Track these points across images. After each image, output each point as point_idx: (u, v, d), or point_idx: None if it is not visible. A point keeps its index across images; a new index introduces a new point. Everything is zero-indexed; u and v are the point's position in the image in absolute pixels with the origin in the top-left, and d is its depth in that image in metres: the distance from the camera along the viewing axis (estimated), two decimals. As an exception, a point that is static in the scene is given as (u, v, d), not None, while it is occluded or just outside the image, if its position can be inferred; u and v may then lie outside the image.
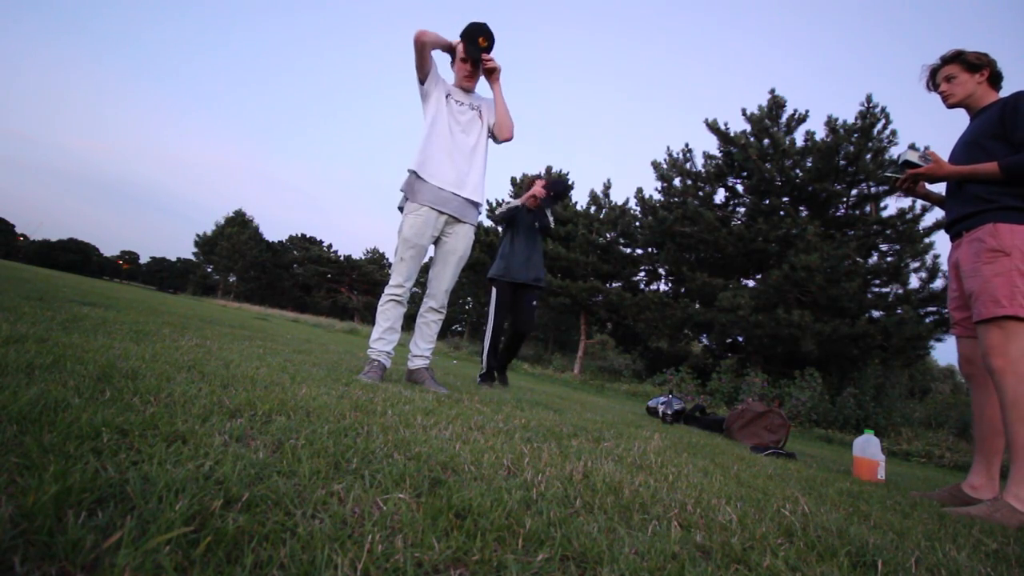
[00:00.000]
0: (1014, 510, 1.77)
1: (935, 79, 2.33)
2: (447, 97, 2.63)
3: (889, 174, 2.37)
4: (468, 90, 2.72)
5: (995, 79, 2.22)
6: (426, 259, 2.77)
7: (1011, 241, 1.96)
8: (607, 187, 20.01)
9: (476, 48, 2.48)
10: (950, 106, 2.28)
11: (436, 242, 2.70)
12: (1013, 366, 1.88)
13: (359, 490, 0.79)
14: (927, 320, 11.42)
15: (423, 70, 2.57)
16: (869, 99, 12.30)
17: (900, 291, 12.19)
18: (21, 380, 1.02)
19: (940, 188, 2.37)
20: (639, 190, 16.19)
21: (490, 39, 2.53)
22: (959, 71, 2.25)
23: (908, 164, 2.24)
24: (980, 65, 2.21)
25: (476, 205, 2.71)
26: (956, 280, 2.22)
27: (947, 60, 2.29)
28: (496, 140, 2.77)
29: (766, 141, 13.26)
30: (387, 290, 2.60)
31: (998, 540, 1.38)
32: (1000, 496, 1.85)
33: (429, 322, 2.76)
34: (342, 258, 48.58)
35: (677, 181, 14.82)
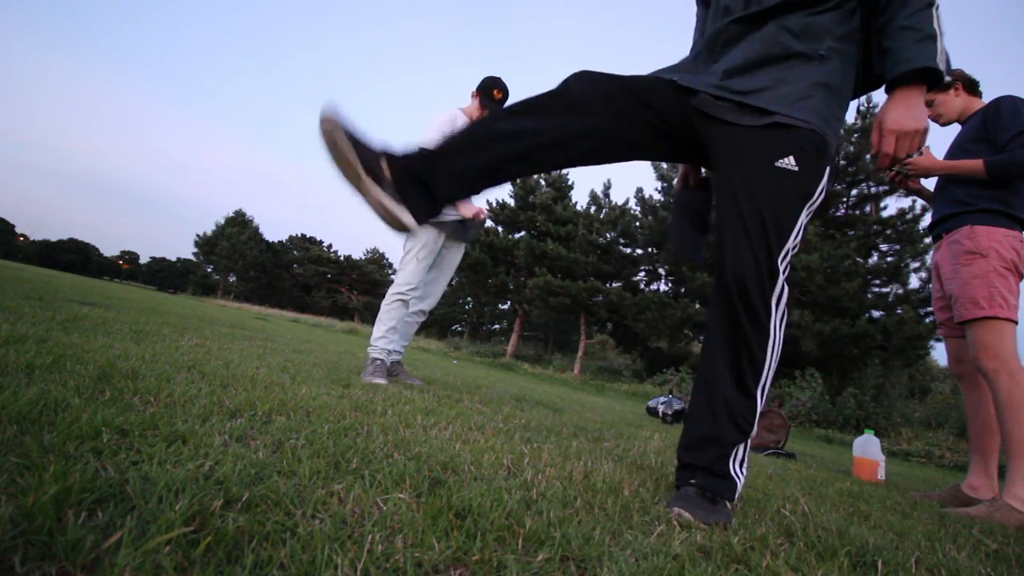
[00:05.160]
0: (1013, 510, 1.77)
1: None
2: None
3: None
4: None
5: (972, 86, 2.26)
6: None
7: (987, 243, 1.99)
8: (607, 187, 20.01)
9: (491, 101, 2.69)
10: (944, 125, 2.32)
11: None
12: (1005, 365, 1.90)
13: (359, 490, 0.79)
14: (927, 320, 11.42)
15: None
16: (869, 99, 12.32)
17: (900, 291, 12.20)
18: (21, 380, 1.02)
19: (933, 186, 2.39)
20: (639, 190, 16.24)
21: (504, 91, 2.70)
22: (932, 95, 2.29)
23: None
24: (948, 83, 2.25)
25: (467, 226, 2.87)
26: (938, 281, 2.25)
27: None
28: None
29: (766, 141, 13.23)
30: (396, 289, 2.66)
31: (998, 540, 1.38)
32: (999, 496, 1.85)
33: (414, 322, 2.93)
34: (342, 258, 48.55)
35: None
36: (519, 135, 1.06)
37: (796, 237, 1.07)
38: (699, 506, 1.00)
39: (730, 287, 1.06)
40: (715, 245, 1.10)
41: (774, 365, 1.11)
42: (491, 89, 2.67)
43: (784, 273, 1.08)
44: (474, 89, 2.75)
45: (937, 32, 1.01)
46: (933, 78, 1.01)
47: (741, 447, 1.11)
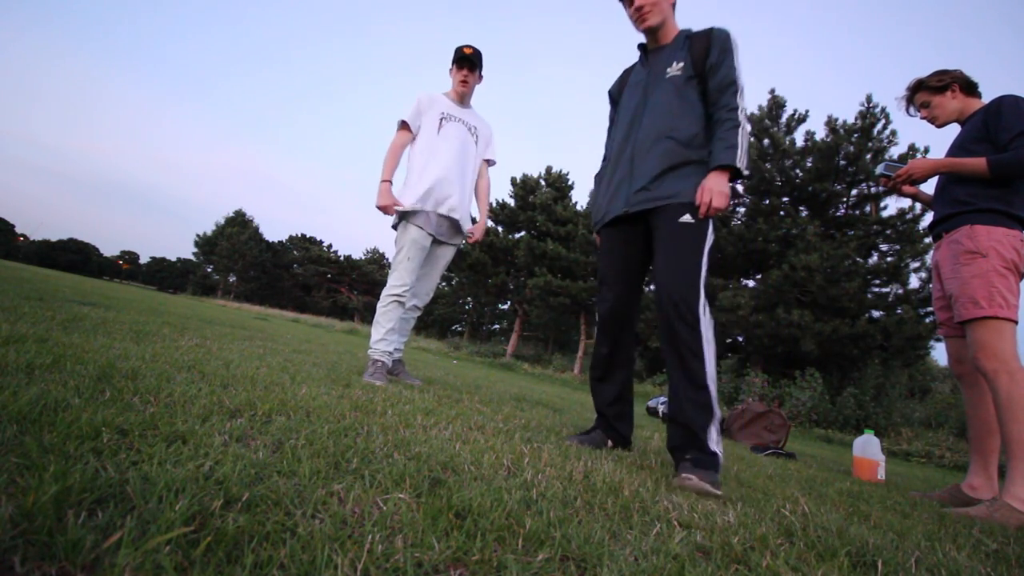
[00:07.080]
0: (1013, 510, 1.77)
1: (913, 105, 2.37)
2: (441, 120, 2.76)
3: (877, 173, 2.44)
4: (464, 103, 2.86)
5: (970, 88, 2.25)
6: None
7: (987, 243, 1.99)
8: (607, 187, 19.97)
9: (462, 56, 2.75)
10: (940, 126, 2.32)
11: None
12: (1005, 365, 1.89)
13: (359, 490, 0.79)
14: (927, 320, 11.41)
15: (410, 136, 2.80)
16: (869, 99, 12.29)
17: (900, 291, 12.18)
18: (21, 380, 1.02)
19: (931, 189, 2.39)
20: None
21: (472, 47, 2.78)
22: (929, 96, 2.29)
23: (884, 176, 2.32)
24: (944, 85, 2.25)
25: (462, 227, 2.86)
26: (938, 281, 2.24)
27: (913, 90, 2.34)
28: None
29: (766, 141, 13.24)
30: (389, 290, 2.64)
31: (998, 540, 1.38)
32: (999, 496, 1.85)
33: (411, 318, 2.96)
34: (342, 258, 48.50)
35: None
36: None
37: (705, 267, 1.59)
38: (697, 471, 1.35)
39: (668, 307, 1.54)
40: (652, 284, 1.65)
41: (713, 358, 1.53)
42: (460, 49, 2.77)
43: (703, 291, 1.56)
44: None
45: (738, 144, 1.57)
46: (733, 171, 1.59)
47: (712, 429, 1.48)
